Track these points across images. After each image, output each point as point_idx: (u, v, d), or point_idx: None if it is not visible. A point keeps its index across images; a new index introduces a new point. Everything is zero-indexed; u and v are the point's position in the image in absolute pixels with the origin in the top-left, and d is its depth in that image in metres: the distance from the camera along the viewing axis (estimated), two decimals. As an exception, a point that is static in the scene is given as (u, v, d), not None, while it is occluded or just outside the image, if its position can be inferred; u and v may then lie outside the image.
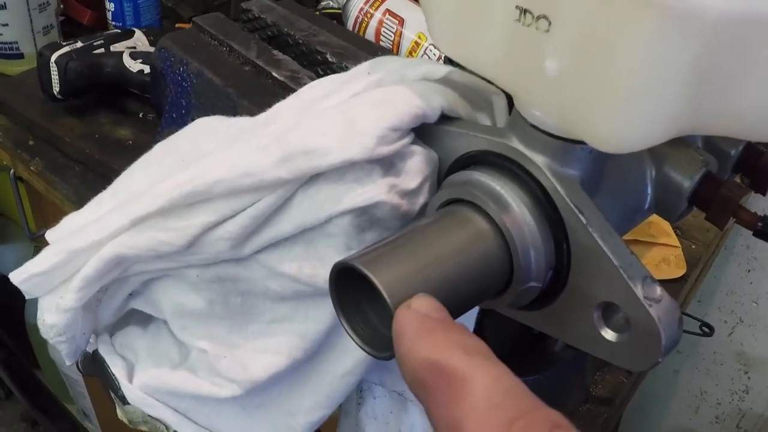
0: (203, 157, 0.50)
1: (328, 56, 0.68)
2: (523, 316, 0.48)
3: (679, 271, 1.10)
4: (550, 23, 0.38)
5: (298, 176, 0.47)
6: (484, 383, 0.34)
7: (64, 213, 0.56)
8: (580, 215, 0.42)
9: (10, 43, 1.35)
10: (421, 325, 0.37)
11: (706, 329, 1.06)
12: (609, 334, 0.43)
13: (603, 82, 0.37)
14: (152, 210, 0.49)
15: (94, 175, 1.12)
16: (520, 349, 0.77)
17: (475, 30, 0.43)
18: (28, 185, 1.26)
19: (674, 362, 1.86)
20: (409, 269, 0.41)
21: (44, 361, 1.95)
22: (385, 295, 0.39)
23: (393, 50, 1.24)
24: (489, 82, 0.51)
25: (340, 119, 0.48)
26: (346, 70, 0.55)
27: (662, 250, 1.11)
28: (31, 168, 1.15)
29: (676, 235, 1.14)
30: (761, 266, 1.62)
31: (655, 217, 0.53)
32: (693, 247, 1.15)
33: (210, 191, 0.48)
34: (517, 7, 0.39)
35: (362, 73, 0.54)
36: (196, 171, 0.48)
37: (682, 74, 0.36)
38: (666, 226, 1.13)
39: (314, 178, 0.48)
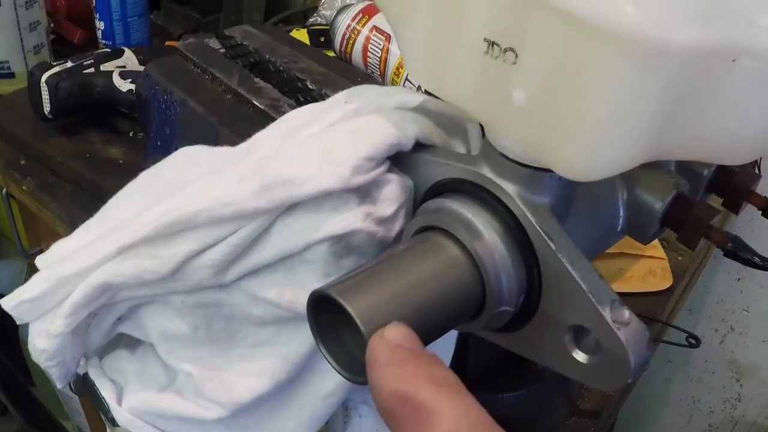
0: (186, 187, 0.51)
1: (308, 83, 0.69)
2: (498, 338, 0.49)
3: (665, 283, 1.11)
4: (517, 56, 0.39)
5: (277, 205, 0.48)
6: (451, 415, 0.35)
7: (56, 232, 0.57)
8: (549, 242, 0.43)
9: (1, 62, 1.36)
10: (393, 356, 0.38)
11: (693, 341, 1.07)
12: (580, 356, 0.44)
13: (569, 114, 0.38)
14: (138, 238, 0.50)
15: (85, 194, 1.12)
16: (506, 363, 0.78)
17: (445, 61, 0.43)
18: (20, 203, 1.26)
19: (666, 371, 1.86)
20: (383, 296, 0.42)
21: (39, 378, 1.94)
22: (359, 323, 0.40)
23: (380, 67, 1.25)
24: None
25: (317, 149, 0.49)
26: (326, 97, 0.56)
27: (648, 263, 1.12)
28: (23, 188, 1.15)
29: (663, 246, 1.15)
30: (750, 275, 1.62)
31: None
32: (680, 258, 1.16)
33: (193, 220, 0.49)
34: (485, 39, 0.40)
35: (339, 102, 0.55)
36: (179, 201, 0.49)
37: (648, 105, 0.36)
38: (652, 238, 1.13)
39: (293, 206, 0.49)
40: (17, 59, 1.37)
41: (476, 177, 0.47)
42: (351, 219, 0.49)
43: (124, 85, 1.18)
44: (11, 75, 1.37)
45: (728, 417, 1.85)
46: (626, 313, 0.41)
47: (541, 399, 0.81)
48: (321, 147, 0.49)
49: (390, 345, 0.39)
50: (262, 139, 0.55)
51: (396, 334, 0.40)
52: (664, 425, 1.96)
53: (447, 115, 0.53)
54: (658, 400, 1.93)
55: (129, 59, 1.24)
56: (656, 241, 1.14)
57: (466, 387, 0.63)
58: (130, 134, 1.21)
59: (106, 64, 1.21)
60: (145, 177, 0.58)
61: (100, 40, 1.44)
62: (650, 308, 1.06)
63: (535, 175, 0.44)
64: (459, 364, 0.64)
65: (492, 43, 0.40)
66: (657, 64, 0.35)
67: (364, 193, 0.50)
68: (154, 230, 0.49)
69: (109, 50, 1.26)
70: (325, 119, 0.53)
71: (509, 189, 0.45)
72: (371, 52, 1.26)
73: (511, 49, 0.39)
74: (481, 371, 0.76)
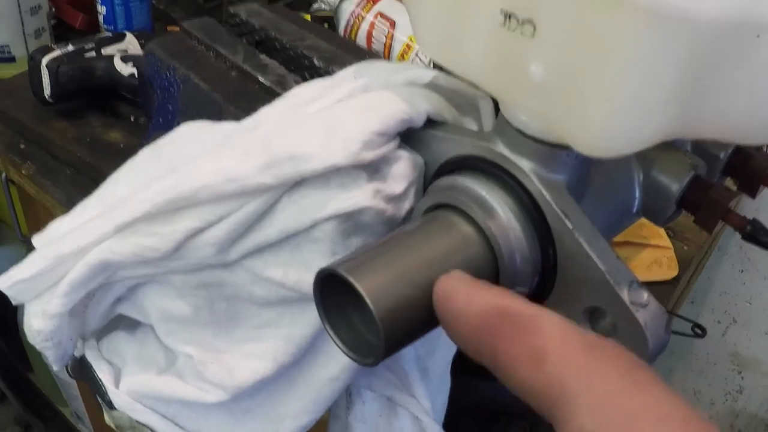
0: (188, 163, 0.49)
1: (315, 60, 0.67)
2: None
3: (671, 273, 1.10)
4: (535, 28, 0.37)
5: (283, 182, 0.47)
6: (554, 319, 0.35)
7: (56, 217, 0.56)
8: (566, 220, 0.42)
9: (2, 46, 1.36)
10: (472, 283, 0.39)
11: (699, 330, 1.06)
12: None
13: (589, 87, 0.37)
14: (137, 215, 0.49)
15: (85, 178, 1.12)
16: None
17: (460, 35, 0.42)
18: (20, 188, 1.26)
19: (668, 362, 1.86)
20: (394, 275, 0.40)
21: (37, 364, 1.95)
22: (369, 302, 0.39)
23: (384, 53, 1.24)
24: (475, 86, 0.51)
25: (325, 124, 0.48)
26: (333, 74, 0.55)
27: (654, 252, 1.11)
28: (23, 172, 1.15)
29: (668, 236, 1.14)
30: (754, 266, 1.62)
31: (646, 219, 0.53)
32: (685, 248, 1.15)
33: (194, 197, 0.47)
34: (501, 11, 0.39)
35: (348, 78, 0.54)
36: (180, 176, 0.48)
37: (670, 78, 0.35)
38: (658, 227, 1.13)
39: (299, 183, 0.48)
40: (18, 43, 1.37)
41: (490, 153, 0.45)
42: (360, 196, 0.47)
43: (126, 69, 1.18)
44: (12, 59, 1.37)
45: (729, 409, 1.85)
46: (645, 295, 0.40)
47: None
48: (329, 122, 0.48)
49: (465, 277, 0.40)
50: (267, 114, 0.54)
51: (464, 274, 0.40)
52: (665, 417, 1.95)
53: (459, 92, 0.52)
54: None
55: (131, 43, 1.23)
56: (662, 231, 1.14)
57: (472, 373, 0.62)
58: (131, 119, 1.21)
59: (107, 48, 1.21)
60: (145, 154, 0.57)
61: (101, 25, 1.44)
62: (655, 298, 1.05)
63: (551, 152, 0.43)
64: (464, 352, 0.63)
65: (509, 15, 0.38)
66: (680, 33, 0.34)
67: (374, 169, 0.48)
68: (154, 207, 0.48)
69: (110, 34, 1.26)
70: (333, 94, 0.52)
71: (524, 166, 0.43)
72: (375, 39, 1.25)
73: (529, 21, 0.38)
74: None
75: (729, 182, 0.57)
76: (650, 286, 1.07)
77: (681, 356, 1.84)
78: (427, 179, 0.51)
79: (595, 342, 0.34)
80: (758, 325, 1.70)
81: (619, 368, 0.33)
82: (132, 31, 1.28)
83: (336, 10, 1.31)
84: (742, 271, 1.65)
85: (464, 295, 0.38)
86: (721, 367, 1.80)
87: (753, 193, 0.55)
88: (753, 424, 1.82)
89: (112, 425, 0.63)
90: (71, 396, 1.83)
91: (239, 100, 0.66)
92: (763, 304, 1.66)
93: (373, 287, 0.39)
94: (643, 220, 0.54)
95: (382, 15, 1.25)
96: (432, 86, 0.52)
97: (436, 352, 0.61)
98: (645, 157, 0.50)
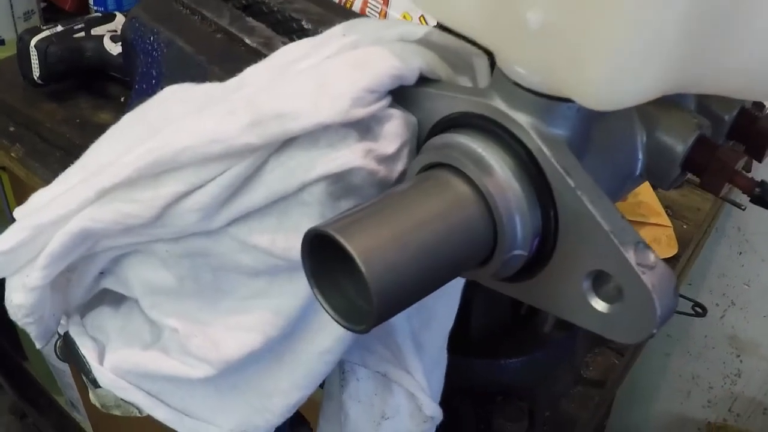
0: (171, 125, 0.47)
1: (303, 23, 0.66)
2: (508, 289, 0.46)
3: (671, 251, 1.09)
4: (532, -28, 0.36)
5: (269, 141, 0.45)
6: None
7: (46, 200, 0.55)
8: (567, 177, 0.40)
9: (-9, 29, 1.34)
10: None
11: (699, 309, 1.04)
12: (600, 305, 0.41)
13: (589, 34, 0.35)
14: (118, 181, 0.47)
15: (75, 160, 1.10)
16: (510, 329, 0.75)
17: (453, -16, 0.40)
18: (10, 172, 1.25)
19: (665, 346, 1.85)
20: (386, 236, 0.39)
21: (32, 352, 1.95)
22: (360, 264, 0.37)
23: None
24: (469, 42, 0.49)
25: (313, 81, 0.46)
26: (321, 34, 0.53)
27: (653, 230, 1.10)
28: (12, 154, 1.15)
29: (667, 214, 1.12)
30: (752, 248, 1.61)
31: (645, 197, 0.51)
32: (684, 226, 1.14)
33: (176, 159, 0.46)
34: (496, -43, 0.37)
35: (336, 36, 0.52)
36: (162, 139, 0.46)
37: (676, 24, 0.34)
38: (657, 205, 1.11)
39: (286, 144, 0.46)
40: (7, 26, 1.37)
41: (487, 109, 0.43)
42: (350, 156, 0.45)
43: (115, 49, 1.17)
44: (1, 42, 1.36)
45: (728, 393, 1.84)
46: (651, 256, 0.38)
47: (545, 366, 0.78)
48: (317, 79, 0.46)
49: None
50: (253, 73, 0.52)
51: None
52: (663, 401, 1.95)
53: (452, 49, 0.50)
54: (657, 375, 1.91)
55: (120, 24, 1.22)
56: (661, 209, 1.12)
57: (469, 352, 0.61)
58: (121, 99, 1.22)
59: (96, 28, 1.21)
60: (128, 118, 0.55)
61: (91, 6, 1.43)
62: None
63: (551, 105, 0.41)
64: (461, 329, 0.61)
65: (505, -40, 0.37)
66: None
67: (365, 128, 0.46)
68: (135, 171, 0.46)
69: (100, 15, 1.25)
70: (321, 53, 0.50)
71: (523, 121, 0.41)
72: (369, 15, 1.23)
73: (526, -35, 0.36)
74: (483, 336, 0.74)
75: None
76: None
77: (678, 340, 1.83)
78: (420, 139, 0.49)
79: None
80: (756, 308, 1.69)
81: None
82: (122, 12, 1.27)
83: (328, -13, 1.30)
84: (740, 254, 1.64)
85: None
86: (720, 350, 1.79)
87: (759, 157, 0.53)
88: (751, 407, 1.82)
89: (98, 405, 0.61)
90: (66, 384, 1.82)
91: (225, 62, 0.65)
92: (762, 286, 1.65)
93: (364, 248, 0.37)
94: (642, 199, 0.52)
95: (375, -8, 1.23)
96: (425, 42, 0.50)
97: (431, 326, 0.60)
98: (648, 117, 0.48)
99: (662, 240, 1.10)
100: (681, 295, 1.05)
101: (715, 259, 1.68)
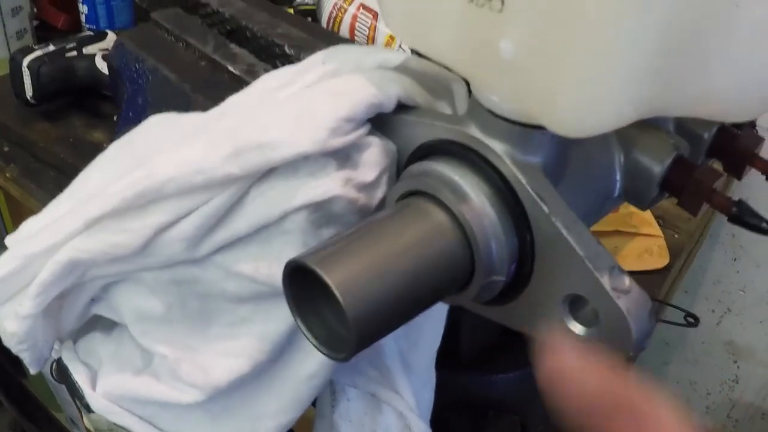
0: (157, 155, 0.48)
1: (286, 48, 0.66)
2: (489, 312, 0.46)
3: (662, 261, 1.09)
4: (503, 2, 0.36)
5: (250, 172, 0.45)
6: (673, 421, 0.33)
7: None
8: (542, 204, 0.40)
9: (-17, 49, 1.34)
10: (584, 361, 0.36)
11: (691, 319, 1.04)
12: (577, 328, 0.41)
13: (561, 62, 0.35)
14: (105, 211, 0.48)
15: (69, 179, 1.10)
16: (504, 342, 0.76)
17: (427, 13, 0.41)
18: (5, 192, 1.25)
19: (663, 354, 1.85)
20: (364, 266, 0.39)
21: (30, 369, 1.93)
22: (338, 295, 0.37)
23: (368, 45, 1.22)
24: (449, 68, 0.49)
25: (292, 111, 0.46)
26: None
27: (644, 241, 1.10)
28: (7, 174, 1.15)
29: (659, 224, 1.13)
30: (747, 254, 1.61)
31: (632, 205, 0.51)
32: (676, 236, 1.14)
33: (161, 190, 0.46)
34: (468, -13, 0.37)
35: (317, 63, 0.52)
36: (147, 170, 0.47)
37: (646, 52, 0.34)
38: (648, 215, 1.12)
39: (268, 174, 0.47)
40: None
41: (462, 137, 0.44)
42: (330, 184, 0.46)
43: (107, 68, 1.16)
44: (-7, 61, 1.36)
45: (726, 399, 1.84)
46: (626, 281, 0.39)
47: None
48: (296, 109, 0.46)
49: (574, 354, 0.36)
50: (234, 103, 0.53)
51: (573, 346, 0.37)
52: (662, 408, 1.95)
53: (430, 75, 0.50)
54: (655, 383, 1.91)
55: (112, 42, 1.22)
56: (652, 219, 1.13)
57: (460, 368, 0.61)
58: (114, 118, 1.20)
59: (89, 47, 1.21)
60: (114, 147, 0.55)
61: (83, 25, 1.43)
62: (647, 287, 1.02)
63: (525, 132, 0.41)
64: (451, 346, 0.62)
65: (476, -10, 0.37)
66: (656, 3, 0.32)
67: (344, 157, 0.47)
68: (122, 201, 0.47)
69: (92, 33, 1.25)
70: (302, 81, 0.51)
71: (498, 148, 0.42)
72: (359, 31, 1.24)
73: (497, -4, 0.36)
74: (474, 352, 0.74)
75: (715, 165, 0.56)
76: (642, 275, 1.06)
77: (676, 347, 1.83)
78: (400, 165, 0.49)
79: None
80: (752, 314, 1.69)
81: None
82: (114, 30, 1.27)
83: (318, 3, 1.30)
84: (735, 260, 1.64)
85: (578, 379, 0.35)
86: (717, 356, 1.79)
87: (739, 175, 0.54)
88: (749, 412, 1.82)
89: (91, 429, 0.62)
90: (65, 401, 1.81)
91: (208, 90, 0.65)
92: (757, 292, 1.66)
93: (342, 279, 0.38)
94: (633, 209, 0.53)
95: (364, 7, 1.24)
96: (403, 69, 0.50)
97: (419, 346, 0.60)
98: (625, 138, 0.48)
99: (654, 250, 1.10)
100: (673, 305, 1.05)
101: (710, 266, 1.68)
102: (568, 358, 0.36)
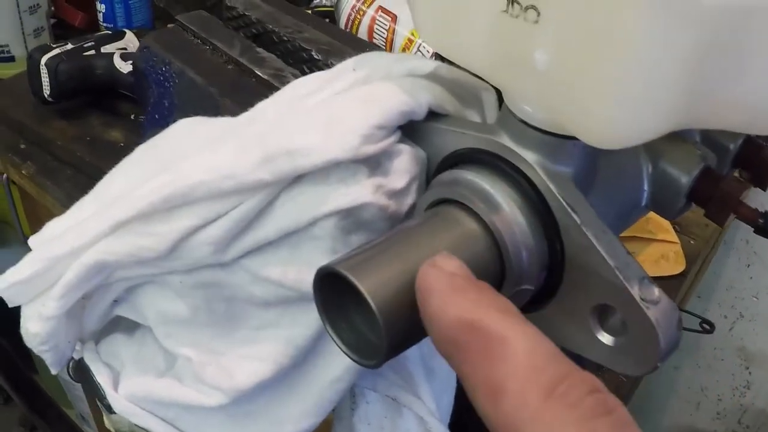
0: (184, 159, 0.48)
1: (313, 53, 0.66)
2: (516, 320, 0.47)
3: (678, 267, 1.09)
4: (539, 14, 0.36)
5: (280, 178, 0.46)
6: (524, 345, 0.33)
7: (56, 217, 0.55)
8: (573, 214, 0.40)
9: (1, 46, 1.35)
10: (451, 282, 0.36)
11: (707, 326, 1.04)
12: (605, 338, 0.41)
13: (595, 74, 0.35)
14: (132, 214, 0.48)
15: (85, 178, 1.12)
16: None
17: (461, 22, 0.41)
18: (21, 189, 1.25)
19: (674, 359, 1.85)
20: (395, 273, 0.39)
21: (42, 366, 1.94)
22: (370, 301, 0.37)
23: (386, 48, 1.23)
24: (478, 77, 0.49)
25: (324, 118, 0.46)
26: (332, 67, 0.54)
27: (661, 247, 1.10)
28: (23, 172, 1.15)
29: (675, 230, 1.13)
30: (761, 261, 1.61)
31: (653, 213, 0.51)
32: (692, 242, 1.14)
33: (190, 194, 0.46)
34: (503, -3, 0.37)
35: (347, 70, 0.52)
36: (176, 174, 0.47)
37: (679, 65, 0.34)
38: (664, 222, 1.12)
39: (298, 179, 0.47)
40: (17, 43, 1.37)
41: (494, 146, 0.44)
42: (360, 191, 0.46)
43: (125, 67, 1.18)
44: (11, 58, 1.37)
45: (737, 405, 1.84)
46: (656, 291, 0.39)
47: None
48: (328, 115, 0.46)
49: (445, 273, 0.37)
50: (264, 108, 0.53)
51: (448, 263, 0.37)
52: (673, 413, 1.95)
53: (461, 83, 0.50)
54: (667, 387, 1.91)
55: (130, 41, 1.23)
56: (669, 225, 1.13)
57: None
58: (131, 117, 1.21)
59: (107, 46, 1.21)
60: (141, 151, 0.55)
61: (101, 23, 1.43)
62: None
63: (557, 143, 0.42)
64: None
65: (512, 1, 0.37)
66: (689, 17, 0.32)
67: (375, 164, 0.47)
68: (149, 205, 0.47)
69: (110, 32, 1.25)
70: (332, 87, 0.51)
71: (530, 158, 0.42)
72: (377, 33, 1.24)
73: (533, 7, 0.36)
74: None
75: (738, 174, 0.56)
76: (657, 281, 1.05)
77: (688, 352, 1.83)
78: (429, 172, 0.49)
79: (561, 381, 0.32)
80: (765, 320, 1.69)
81: (580, 417, 0.31)
82: (132, 29, 1.28)
83: (336, 5, 1.30)
84: (748, 266, 1.64)
85: (439, 297, 0.36)
86: (729, 362, 1.79)
87: (764, 185, 0.54)
88: (761, 419, 1.81)
89: (112, 430, 0.62)
90: (76, 397, 1.82)
91: (236, 93, 0.65)
92: (770, 298, 1.66)
93: (374, 286, 0.38)
94: (650, 215, 0.53)
95: (383, 9, 1.24)
96: (433, 77, 0.50)
97: (441, 351, 0.60)
98: (653, 149, 0.48)
99: (670, 256, 1.10)
100: (688, 312, 1.05)
101: (723, 272, 1.68)
102: (436, 275, 0.37)
